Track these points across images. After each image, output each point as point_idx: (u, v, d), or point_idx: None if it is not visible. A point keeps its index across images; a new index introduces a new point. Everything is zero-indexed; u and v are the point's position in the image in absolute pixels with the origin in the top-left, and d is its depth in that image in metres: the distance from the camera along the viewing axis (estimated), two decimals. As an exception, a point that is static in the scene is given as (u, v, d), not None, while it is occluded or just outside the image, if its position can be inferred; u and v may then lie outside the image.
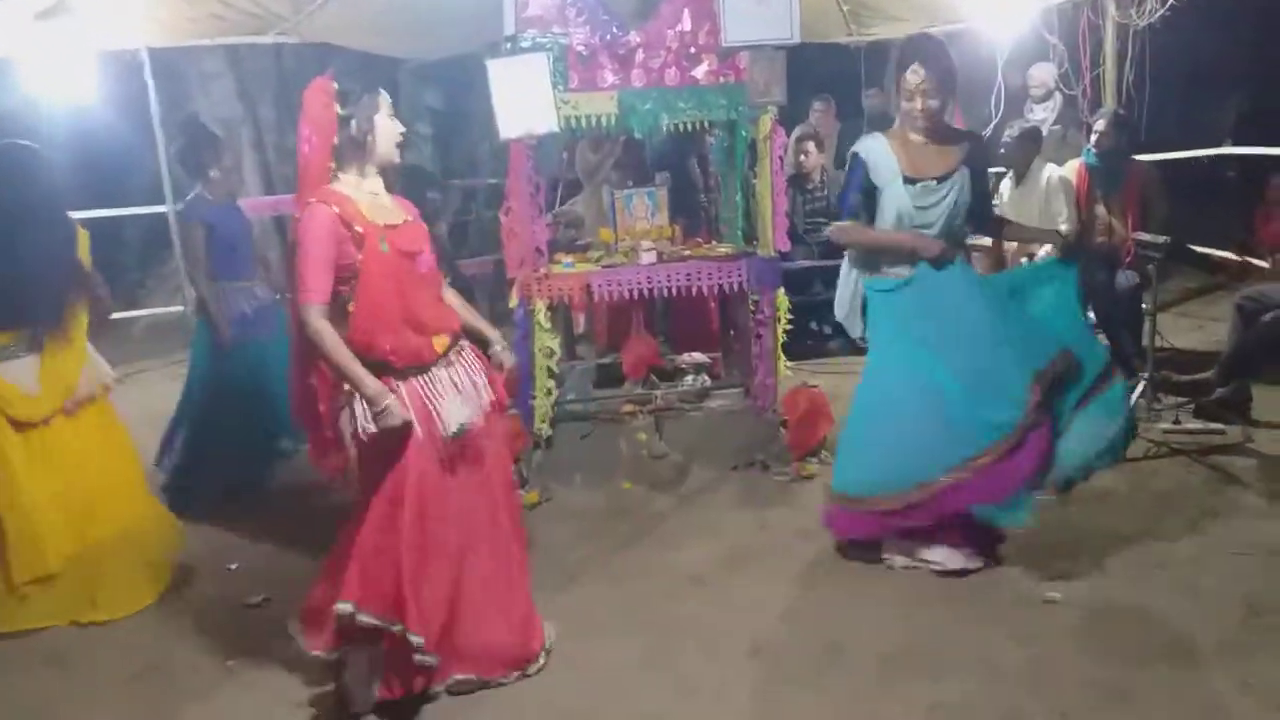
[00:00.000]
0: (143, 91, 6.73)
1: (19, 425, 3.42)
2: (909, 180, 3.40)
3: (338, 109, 2.64)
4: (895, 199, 3.40)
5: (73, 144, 6.61)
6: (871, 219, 3.49)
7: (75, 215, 3.75)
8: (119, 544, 3.55)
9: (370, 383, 2.57)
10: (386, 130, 2.73)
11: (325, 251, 2.56)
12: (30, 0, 4.92)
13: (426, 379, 2.71)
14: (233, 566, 3.85)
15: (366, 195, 2.70)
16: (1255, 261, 5.82)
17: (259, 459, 4.75)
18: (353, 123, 2.65)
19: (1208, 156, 7.25)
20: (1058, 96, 6.45)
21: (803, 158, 6.72)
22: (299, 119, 2.66)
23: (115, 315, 3.95)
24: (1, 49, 5.73)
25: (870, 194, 3.47)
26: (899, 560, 3.48)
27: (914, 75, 3.35)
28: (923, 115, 3.37)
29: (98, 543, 3.52)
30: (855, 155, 3.50)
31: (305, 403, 2.79)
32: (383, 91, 2.75)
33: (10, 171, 3.50)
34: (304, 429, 2.86)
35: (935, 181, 3.41)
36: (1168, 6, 5.41)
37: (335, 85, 2.66)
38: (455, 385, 2.75)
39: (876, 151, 3.45)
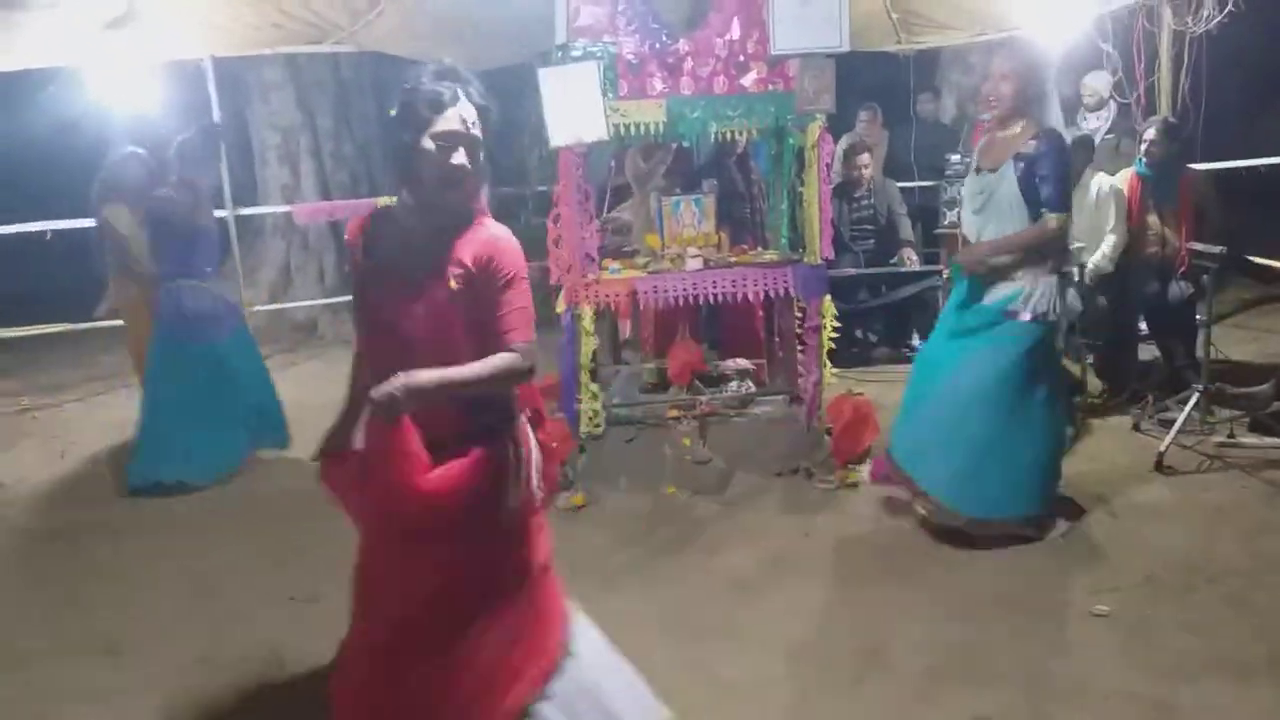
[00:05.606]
0: (205, 100, 6.90)
1: None
2: (976, 169, 3.56)
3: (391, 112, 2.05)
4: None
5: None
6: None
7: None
8: None
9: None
10: (429, 158, 2.02)
11: None
12: (99, 10, 5.08)
13: None
14: (282, 565, 3.92)
15: None
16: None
17: (207, 456, 4.77)
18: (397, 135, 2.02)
19: (1267, 165, 7.10)
20: (1112, 105, 6.36)
21: (856, 174, 6.74)
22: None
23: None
24: (71, 58, 5.92)
25: None
26: None
27: (993, 65, 3.53)
28: (994, 99, 3.50)
29: None
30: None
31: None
32: (461, 100, 2.04)
33: None
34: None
35: (988, 172, 3.52)
36: (1225, 13, 5.32)
37: (422, 82, 2.02)
38: None
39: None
